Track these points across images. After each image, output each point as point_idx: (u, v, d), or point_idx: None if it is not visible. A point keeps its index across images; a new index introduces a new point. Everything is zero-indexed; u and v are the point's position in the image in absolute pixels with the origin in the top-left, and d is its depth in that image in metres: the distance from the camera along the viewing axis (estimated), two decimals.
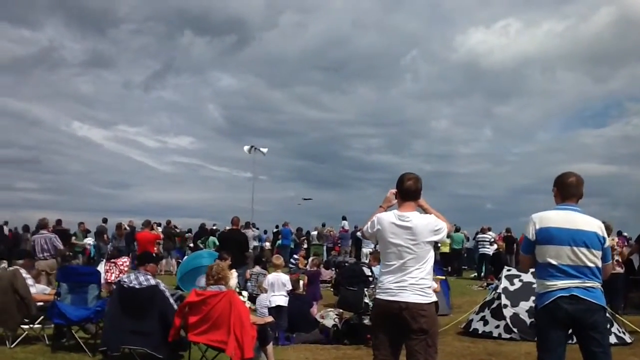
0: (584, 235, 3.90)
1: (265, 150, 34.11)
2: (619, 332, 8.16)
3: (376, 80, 64.06)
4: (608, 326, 3.97)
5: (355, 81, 63.98)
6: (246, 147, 34.10)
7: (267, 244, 27.07)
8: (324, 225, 26.91)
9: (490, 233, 21.48)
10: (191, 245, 23.15)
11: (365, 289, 8.01)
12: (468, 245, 23.81)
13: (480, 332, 8.80)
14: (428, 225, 4.12)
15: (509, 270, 9.12)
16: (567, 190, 4.10)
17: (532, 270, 9.40)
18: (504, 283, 8.78)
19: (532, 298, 8.54)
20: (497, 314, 8.70)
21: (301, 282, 10.23)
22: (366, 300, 7.89)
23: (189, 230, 26.02)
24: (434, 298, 4.13)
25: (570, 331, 3.97)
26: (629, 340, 8.14)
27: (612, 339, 7.97)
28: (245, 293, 9.79)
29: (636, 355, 7.48)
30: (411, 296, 4.04)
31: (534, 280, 8.77)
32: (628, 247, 11.52)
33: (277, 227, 27.77)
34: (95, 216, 29.89)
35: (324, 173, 60.26)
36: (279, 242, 25.99)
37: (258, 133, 60.85)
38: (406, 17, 60.22)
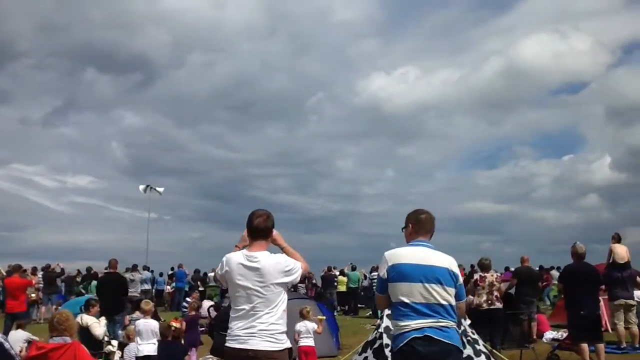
0: (436, 271, 3.73)
1: (161, 189, 33.10)
2: None
3: (283, 121, 64.83)
4: None
5: (262, 121, 64.42)
6: (142, 187, 33.03)
7: (168, 287, 25.90)
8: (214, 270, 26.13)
9: None
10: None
11: None
12: (365, 283, 23.94)
13: None
14: (277, 265, 3.83)
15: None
16: (421, 227, 3.95)
17: (387, 312, 9.50)
18: (386, 322, 8.59)
19: None
20: (379, 354, 8.50)
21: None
22: None
23: (78, 273, 24.46)
24: (286, 345, 3.82)
25: None
26: None
27: None
28: (114, 342, 9.02)
29: None
30: (260, 343, 3.72)
31: None
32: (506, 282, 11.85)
33: (172, 269, 26.67)
34: None
35: (230, 213, 59.28)
36: (174, 284, 24.94)
37: (163, 172, 59.37)
38: (312, 62, 61.78)
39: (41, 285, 19.59)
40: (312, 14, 60.28)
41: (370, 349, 8.72)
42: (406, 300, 3.72)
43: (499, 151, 67.56)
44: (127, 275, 18.89)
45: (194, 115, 62.16)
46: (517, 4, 66.63)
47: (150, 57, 58.92)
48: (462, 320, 8.56)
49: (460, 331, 8.31)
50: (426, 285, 3.69)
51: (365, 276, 23.64)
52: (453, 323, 3.74)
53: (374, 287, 19.99)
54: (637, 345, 10.94)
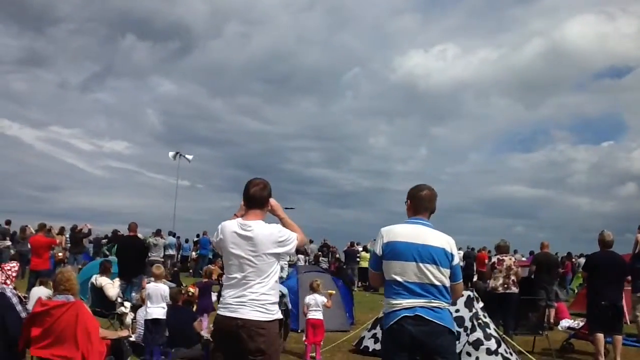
0: (431, 250, 3.60)
1: (190, 157, 33.43)
2: (506, 352, 8.05)
3: (318, 96, 64.76)
4: (456, 350, 3.61)
5: (297, 95, 64.44)
6: (171, 153, 33.40)
7: (193, 254, 26.28)
8: None
9: None
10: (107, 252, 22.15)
11: None
12: None
13: (370, 349, 8.54)
14: (271, 235, 3.75)
15: None
16: (419, 204, 3.81)
17: None
18: None
19: None
20: None
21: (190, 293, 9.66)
22: None
23: (105, 237, 24.96)
24: (276, 315, 3.75)
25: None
26: None
27: None
28: (127, 304, 9.14)
29: None
30: (250, 312, 3.66)
31: None
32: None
33: (197, 235, 26.99)
34: (21, 219, 28.21)
35: None
36: (198, 251, 25.27)
37: (197, 141, 60.04)
38: (350, 37, 61.13)
39: (68, 245, 20.02)
40: None
41: (380, 326, 8.68)
42: (399, 279, 3.61)
43: (535, 134, 66.11)
44: (151, 240, 19.16)
45: (230, 86, 62.53)
46: None
47: (188, 25, 59.19)
48: (475, 303, 8.44)
49: (471, 314, 8.24)
50: (420, 264, 3.58)
51: None
52: (446, 304, 3.62)
53: None
54: None
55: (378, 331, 8.60)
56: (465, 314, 8.20)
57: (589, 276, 8.88)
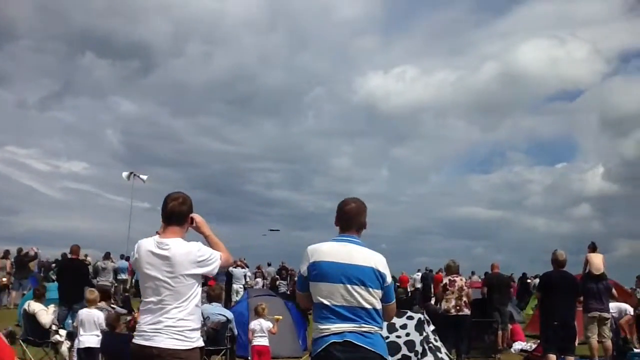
0: (359, 271, 3.31)
1: (145, 177, 32.67)
2: None
3: (280, 116, 65.11)
4: None
5: (259, 116, 64.44)
6: (125, 174, 32.58)
7: None
8: None
9: None
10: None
11: None
12: None
13: None
14: (189, 254, 3.44)
15: None
16: (346, 219, 3.53)
17: None
18: None
19: None
20: None
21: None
22: None
23: (55, 261, 24.05)
24: (196, 344, 3.44)
25: None
26: None
27: None
28: (63, 332, 8.62)
29: None
30: (165, 340, 3.34)
31: None
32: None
33: None
34: None
35: (224, 206, 58.88)
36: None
37: (158, 162, 59.06)
38: (311, 58, 61.66)
39: (14, 269, 19.14)
40: (312, 10, 60.21)
41: None
42: (326, 302, 3.33)
43: (492, 156, 67.65)
44: (99, 264, 18.48)
45: (191, 106, 62.15)
46: (517, 8, 66.91)
47: (149, 44, 58.67)
48: (426, 326, 8.24)
49: (422, 337, 8.03)
50: (348, 286, 3.30)
51: None
52: (378, 328, 3.34)
53: None
54: None
55: None
56: (416, 337, 7.99)
57: (542, 296, 8.77)
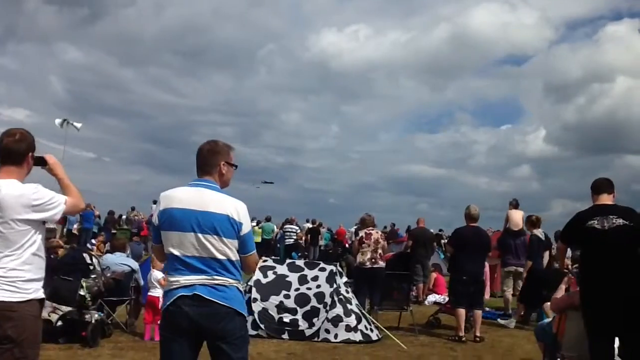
0: (212, 218, 3.04)
1: (79, 125, 31.35)
2: (366, 329, 7.83)
3: (232, 71, 63.86)
4: (243, 333, 3.06)
5: (210, 69, 62.95)
6: (57, 120, 31.12)
7: (75, 227, 24.69)
8: (133, 208, 25.25)
9: (296, 225, 21.41)
10: None
11: (83, 280, 6.84)
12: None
13: None
14: (21, 197, 3.09)
15: (265, 260, 8.45)
16: (202, 161, 3.22)
17: (289, 261, 9.00)
18: (257, 275, 8.06)
19: (284, 292, 8.03)
20: (247, 308, 8.00)
21: None
22: (82, 292, 6.73)
23: None
24: (32, 295, 3.12)
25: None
26: (374, 338, 7.84)
27: (358, 337, 7.66)
28: None
29: (371, 355, 7.16)
30: None
31: (288, 273, 8.38)
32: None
33: (109, 212, 25.50)
34: None
35: (171, 158, 57.86)
36: (81, 225, 23.80)
37: (105, 112, 57.37)
38: (266, 13, 60.17)
39: None
40: None
41: None
42: (176, 253, 3.06)
43: (440, 116, 69.04)
44: None
45: (141, 57, 60.05)
46: None
47: None
48: (337, 278, 8.16)
49: (332, 289, 7.95)
50: (199, 235, 3.03)
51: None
52: (233, 281, 3.10)
53: (286, 240, 19.66)
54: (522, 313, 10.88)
55: None
56: (326, 289, 7.90)
57: (454, 251, 8.81)
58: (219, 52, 62.42)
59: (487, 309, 10.04)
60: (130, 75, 59.95)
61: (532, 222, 10.55)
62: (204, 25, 59.62)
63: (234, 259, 3.10)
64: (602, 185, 5.08)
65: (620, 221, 4.71)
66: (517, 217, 11.25)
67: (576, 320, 5.23)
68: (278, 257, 22.46)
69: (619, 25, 55.97)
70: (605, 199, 5.00)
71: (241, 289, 3.19)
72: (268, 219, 22.46)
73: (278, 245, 23.12)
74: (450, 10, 64.82)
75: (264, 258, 8.55)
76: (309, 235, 21.25)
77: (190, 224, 3.04)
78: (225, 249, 3.06)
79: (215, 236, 3.04)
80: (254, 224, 23.33)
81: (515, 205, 11.58)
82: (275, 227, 22.47)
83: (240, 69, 64.80)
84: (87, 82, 57.72)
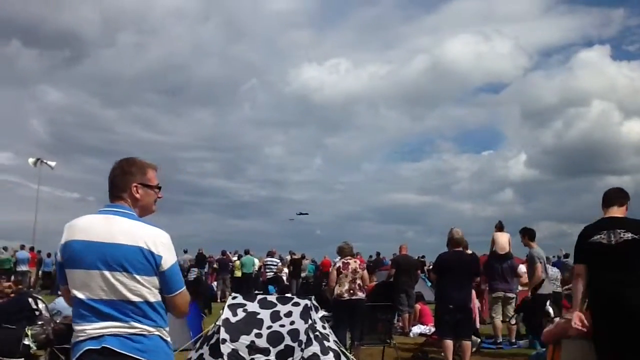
0: (121, 252, 2.48)
1: (53, 164, 30.71)
2: None
3: (214, 106, 64.51)
4: None
5: (192, 106, 63.27)
6: (31, 160, 30.56)
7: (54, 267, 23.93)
8: None
9: (276, 258, 20.79)
10: None
11: (29, 327, 6.18)
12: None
13: None
14: None
15: (234, 297, 7.81)
16: (112, 185, 2.69)
17: (260, 297, 8.38)
18: (226, 313, 7.42)
19: (255, 331, 7.39)
20: (215, 350, 7.33)
21: None
22: (26, 341, 6.07)
23: None
24: None
25: None
26: None
27: None
28: None
29: None
30: None
31: (259, 310, 7.74)
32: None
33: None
34: None
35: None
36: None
37: (87, 152, 57.08)
38: (245, 49, 60.97)
39: None
40: (246, 1, 59.31)
41: (207, 345, 7.53)
42: (80, 296, 2.47)
43: (422, 145, 69.86)
44: None
45: (122, 96, 60.34)
46: (444, 5, 69.34)
47: (79, 33, 56.22)
48: (312, 313, 7.54)
49: (307, 325, 7.32)
50: (106, 273, 2.46)
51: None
52: (153, 328, 2.51)
53: (267, 273, 19.00)
54: (514, 340, 10.33)
55: (205, 351, 7.46)
56: (301, 326, 7.25)
57: (437, 278, 8.27)
58: (201, 89, 63.06)
59: (478, 338, 9.48)
60: (112, 115, 59.85)
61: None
62: (184, 62, 60.17)
63: (153, 300, 2.52)
64: (611, 197, 4.66)
65: (629, 235, 4.28)
66: (503, 240, 10.76)
67: (571, 351, 4.72)
68: (261, 292, 21.94)
69: (590, 51, 57.57)
70: (615, 212, 4.57)
71: (166, 337, 2.60)
72: (247, 252, 21.76)
73: (261, 279, 22.46)
74: (427, 42, 66.73)
75: (233, 295, 7.94)
76: (291, 268, 20.60)
77: (95, 259, 2.46)
78: (140, 288, 2.48)
79: (125, 273, 2.47)
80: (235, 258, 22.65)
81: (500, 227, 11.10)
82: (257, 260, 21.74)
83: (222, 104, 65.45)
84: (68, 123, 57.53)
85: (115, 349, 2.40)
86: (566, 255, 23.67)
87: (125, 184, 2.65)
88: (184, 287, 2.65)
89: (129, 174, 2.66)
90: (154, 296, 2.52)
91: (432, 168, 64.39)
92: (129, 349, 2.42)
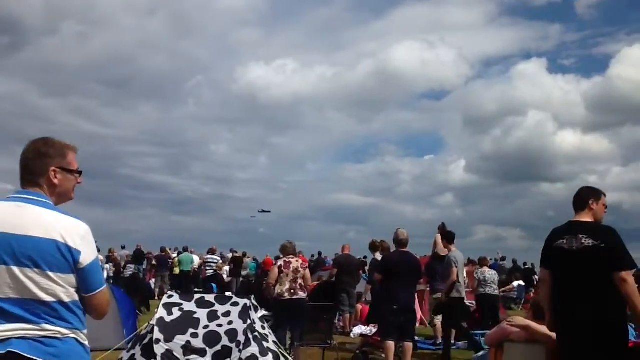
0: (33, 245, 2.18)
1: None
2: None
3: (159, 101, 63.07)
4: None
5: (137, 100, 61.65)
6: None
7: None
8: None
9: (217, 255, 20.41)
10: None
11: None
12: None
13: None
14: None
15: (170, 296, 7.48)
16: (22, 167, 2.38)
17: (197, 296, 8.09)
18: (161, 312, 7.09)
19: (191, 330, 7.08)
20: (148, 351, 6.98)
21: None
22: None
23: None
24: None
25: None
26: None
27: None
28: None
29: None
30: None
31: (196, 309, 7.43)
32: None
33: None
34: None
35: (96, 190, 56.20)
36: None
37: (25, 142, 54.08)
38: (193, 45, 59.97)
39: None
40: None
41: (139, 345, 7.17)
42: None
43: (367, 147, 70.52)
44: None
45: (64, 87, 57.88)
46: (393, 10, 70.53)
47: (20, 20, 53.60)
48: (252, 313, 7.31)
49: (246, 325, 7.09)
50: (14, 269, 2.17)
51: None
52: (68, 330, 2.22)
53: (207, 271, 18.53)
54: (453, 341, 10.35)
55: (137, 351, 7.10)
56: (239, 326, 7.00)
57: (382, 279, 8.16)
58: (146, 83, 61.56)
59: (417, 338, 9.47)
60: (53, 105, 57.67)
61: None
62: (130, 55, 58.47)
63: (68, 300, 2.23)
64: (577, 198, 4.39)
65: (590, 242, 4.07)
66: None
67: (513, 354, 4.67)
68: (201, 290, 21.40)
69: (528, 63, 59.63)
70: (582, 215, 4.31)
71: (84, 340, 2.32)
72: (185, 249, 21.24)
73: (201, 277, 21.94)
74: (374, 46, 67.75)
75: (169, 293, 7.61)
76: (231, 266, 20.22)
77: (1, 253, 2.17)
78: (54, 287, 2.19)
79: (36, 270, 2.17)
80: (175, 255, 22.06)
81: (442, 229, 11.11)
82: (196, 258, 21.23)
83: (168, 99, 64.15)
84: (6, 112, 54.86)
85: (23, 354, 2.11)
86: (503, 258, 24.36)
87: (42, 168, 2.34)
88: (105, 286, 2.36)
89: (46, 157, 2.35)
90: (69, 296, 2.23)
91: (375, 170, 65.50)
92: (40, 353, 2.14)
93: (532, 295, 19.78)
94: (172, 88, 65.09)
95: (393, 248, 10.70)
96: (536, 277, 24.58)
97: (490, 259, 17.23)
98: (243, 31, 63.42)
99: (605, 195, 4.41)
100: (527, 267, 24.42)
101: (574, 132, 57.49)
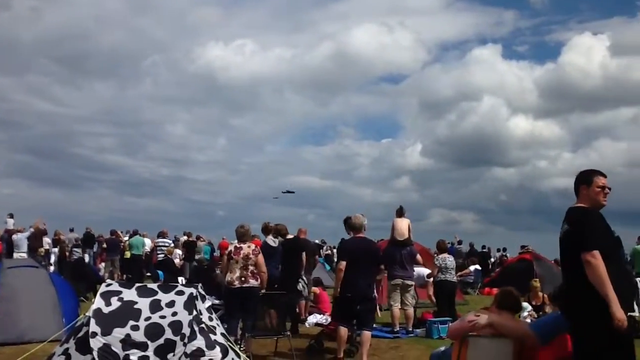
0: None
1: None
2: None
3: (115, 80, 61.22)
4: None
5: (92, 78, 59.80)
6: None
7: None
8: None
9: (168, 238, 19.77)
10: None
11: None
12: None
13: None
14: None
15: (108, 284, 6.90)
16: None
17: (138, 285, 7.56)
18: (98, 302, 6.50)
19: (131, 323, 6.53)
20: (84, 345, 6.40)
21: None
22: None
23: None
24: None
25: None
26: None
27: None
28: None
29: None
30: None
31: (137, 299, 6.87)
32: None
33: None
34: None
35: (49, 170, 54.51)
36: None
37: None
38: (150, 23, 58.38)
39: None
40: None
41: (74, 339, 6.58)
42: None
43: (325, 130, 70.48)
44: None
45: (16, 64, 55.41)
46: None
47: None
48: (198, 303, 6.80)
49: (191, 317, 6.57)
50: None
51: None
52: None
53: (158, 255, 17.88)
54: (410, 329, 10.11)
55: (71, 345, 6.52)
56: (184, 317, 6.47)
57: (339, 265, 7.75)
58: (101, 61, 59.50)
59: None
60: (4, 83, 55.25)
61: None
62: (85, 32, 56.45)
63: None
64: (574, 185, 4.41)
65: (566, 227, 4.18)
66: (402, 225, 10.49)
67: (479, 348, 4.34)
68: (151, 275, 20.69)
69: (484, 49, 60.29)
70: (578, 202, 4.34)
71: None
72: (136, 232, 20.48)
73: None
74: (334, 29, 67.32)
75: (108, 281, 7.02)
76: (184, 249, 19.60)
77: None
78: None
79: None
80: (126, 238, 21.23)
81: (400, 213, 10.80)
82: (147, 241, 20.49)
83: (123, 78, 62.06)
84: None
85: None
86: (459, 242, 24.37)
87: None
88: None
89: None
90: None
91: (334, 153, 65.39)
92: None
93: (487, 279, 19.86)
94: (128, 66, 63.21)
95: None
96: (491, 260, 24.83)
97: (448, 243, 17.14)
98: (202, 10, 62.05)
99: (602, 176, 4.32)
100: (484, 250, 24.55)
101: (526, 118, 58.57)
